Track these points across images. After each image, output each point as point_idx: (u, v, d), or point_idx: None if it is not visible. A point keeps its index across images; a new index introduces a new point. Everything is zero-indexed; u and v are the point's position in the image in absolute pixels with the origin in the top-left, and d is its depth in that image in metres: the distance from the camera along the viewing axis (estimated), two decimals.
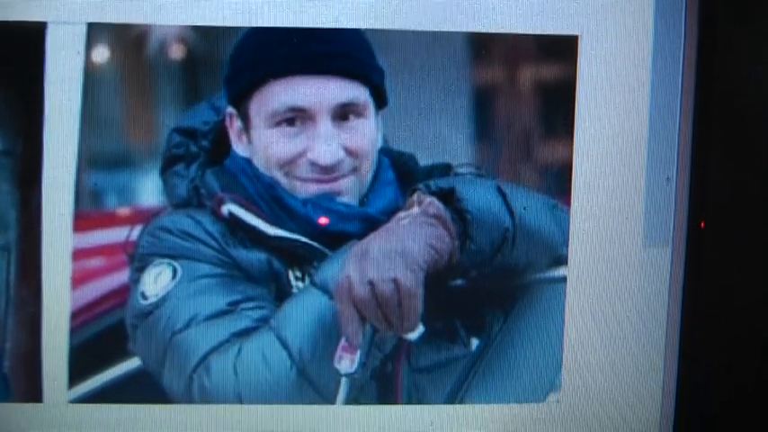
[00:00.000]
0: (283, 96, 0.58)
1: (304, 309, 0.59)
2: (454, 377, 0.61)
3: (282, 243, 0.59)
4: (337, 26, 0.58)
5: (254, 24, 0.57)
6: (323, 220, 0.59)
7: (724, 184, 0.60)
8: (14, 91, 0.57)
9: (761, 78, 0.59)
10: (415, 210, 0.59)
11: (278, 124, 0.58)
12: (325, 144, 0.58)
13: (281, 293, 0.59)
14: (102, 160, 0.58)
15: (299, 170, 0.59)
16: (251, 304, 0.59)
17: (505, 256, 0.60)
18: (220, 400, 0.59)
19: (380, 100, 0.59)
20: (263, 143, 0.59)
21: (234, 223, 0.59)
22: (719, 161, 0.60)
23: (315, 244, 0.59)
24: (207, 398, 0.59)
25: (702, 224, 0.60)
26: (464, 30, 0.58)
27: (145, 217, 0.59)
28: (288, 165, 0.59)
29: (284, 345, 0.58)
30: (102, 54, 0.58)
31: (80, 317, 0.59)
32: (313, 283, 0.59)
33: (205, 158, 0.60)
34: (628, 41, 0.59)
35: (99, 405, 0.59)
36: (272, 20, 0.57)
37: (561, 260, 0.60)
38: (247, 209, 0.59)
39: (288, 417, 0.60)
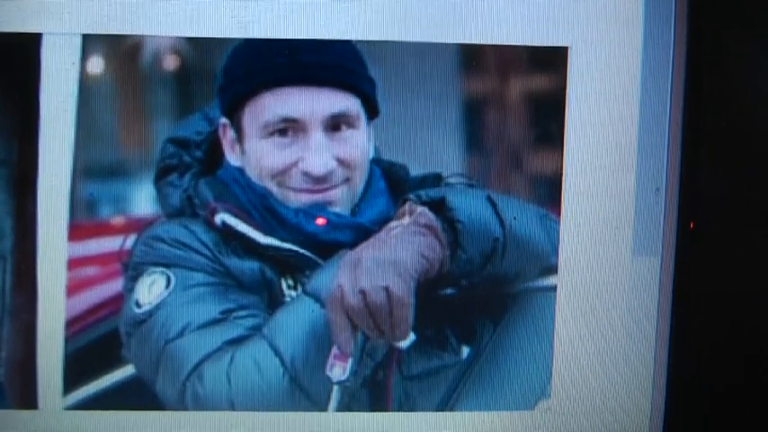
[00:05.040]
0: (276, 107, 0.58)
1: (296, 317, 0.59)
2: (445, 385, 0.62)
3: (275, 252, 0.60)
4: (329, 38, 0.58)
5: (246, 36, 0.58)
6: (320, 221, 0.60)
7: (713, 194, 0.60)
8: (10, 101, 0.58)
9: (750, 89, 0.59)
10: (407, 219, 0.60)
11: (270, 135, 0.59)
12: (318, 154, 0.59)
13: (274, 302, 0.60)
14: (96, 170, 0.59)
15: (291, 180, 0.59)
16: (244, 313, 0.60)
17: (496, 265, 0.60)
18: (213, 407, 0.60)
19: (372, 110, 0.60)
20: (255, 153, 0.59)
21: (227, 232, 0.60)
22: (708, 171, 0.60)
23: (307, 253, 0.60)
24: (200, 405, 0.60)
25: (692, 224, 0.60)
26: (455, 41, 0.59)
27: (139, 226, 0.60)
28: (280, 175, 0.59)
29: (277, 353, 0.59)
30: (96, 65, 0.58)
31: (75, 325, 0.59)
32: (305, 292, 0.60)
33: (198, 168, 0.60)
34: (617, 53, 0.59)
35: (94, 412, 0.60)
36: (265, 31, 0.58)
37: (551, 269, 0.61)
38: (240, 218, 0.60)
39: (280, 424, 0.60)
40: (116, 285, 0.60)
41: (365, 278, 0.58)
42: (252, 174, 0.60)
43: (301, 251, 0.60)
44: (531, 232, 0.61)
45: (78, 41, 0.57)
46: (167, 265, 0.60)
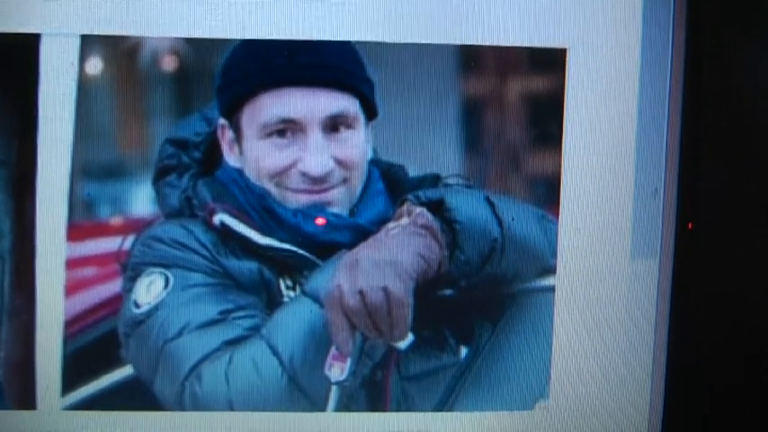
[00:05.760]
0: (274, 108, 0.58)
1: (295, 317, 0.59)
2: (443, 385, 0.62)
3: (273, 252, 0.60)
4: (328, 38, 0.58)
5: (245, 36, 0.58)
6: (319, 221, 0.60)
7: (712, 195, 0.60)
8: (8, 102, 0.58)
9: (749, 90, 0.59)
10: (405, 220, 0.60)
11: (269, 135, 0.59)
12: (316, 155, 0.59)
13: (272, 302, 0.60)
14: (95, 170, 0.59)
15: (289, 181, 0.59)
16: (242, 313, 0.60)
17: (494, 265, 0.60)
18: (212, 408, 0.60)
19: (370, 111, 0.60)
20: (254, 154, 0.60)
21: (225, 233, 0.60)
22: (707, 173, 0.60)
23: (305, 253, 0.60)
24: (198, 405, 0.60)
25: (690, 226, 0.60)
26: (453, 42, 0.59)
27: (137, 226, 0.60)
28: (279, 175, 0.59)
29: (275, 353, 0.59)
30: (95, 65, 0.58)
31: (73, 325, 0.59)
32: (303, 293, 0.60)
33: (197, 169, 0.60)
34: (616, 54, 0.59)
35: (92, 412, 0.60)
36: (264, 32, 0.58)
37: (549, 270, 0.61)
38: (239, 219, 0.60)
39: (278, 424, 0.61)
40: (115, 286, 0.60)
41: (364, 278, 0.59)
42: (250, 174, 0.60)
43: (300, 252, 0.60)
44: (530, 233, 0.61)
45: (77, 42, 0.57)
46: (166, 266, 0.60)
